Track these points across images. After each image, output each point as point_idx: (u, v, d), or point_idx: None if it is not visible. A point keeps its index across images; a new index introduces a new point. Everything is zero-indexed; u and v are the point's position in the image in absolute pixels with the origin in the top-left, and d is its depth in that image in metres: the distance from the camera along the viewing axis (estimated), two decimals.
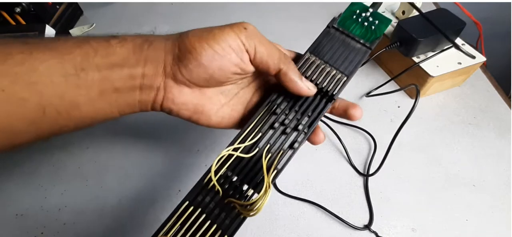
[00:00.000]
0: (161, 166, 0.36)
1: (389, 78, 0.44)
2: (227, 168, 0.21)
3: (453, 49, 0.40)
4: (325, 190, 0.34)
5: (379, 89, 0.43)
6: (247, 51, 0.21)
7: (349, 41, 0.26)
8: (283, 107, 0.23)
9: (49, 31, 0.47)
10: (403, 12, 0.43)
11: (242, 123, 0.25)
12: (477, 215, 0.32)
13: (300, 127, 0.22)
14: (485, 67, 0.46)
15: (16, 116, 0.17)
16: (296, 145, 0.22)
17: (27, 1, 0.48)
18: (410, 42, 0.37)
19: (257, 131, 0.22)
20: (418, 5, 0.41)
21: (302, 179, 0.35)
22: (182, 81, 0.21)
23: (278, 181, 0.34)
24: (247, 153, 0.22)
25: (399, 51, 0.40)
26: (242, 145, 0.22)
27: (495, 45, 0.61)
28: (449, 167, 0.36)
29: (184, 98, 0.22)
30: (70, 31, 0.54)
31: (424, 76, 0.38)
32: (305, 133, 0.23)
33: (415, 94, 0.42)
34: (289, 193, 0.34)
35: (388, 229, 0.31)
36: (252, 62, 0.22)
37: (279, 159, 0.22)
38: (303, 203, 0.33)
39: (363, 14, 0.27)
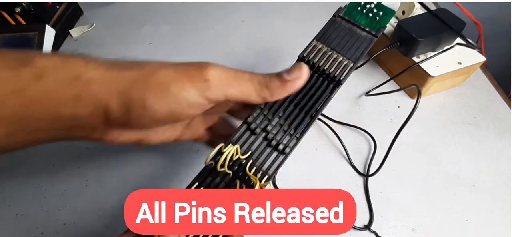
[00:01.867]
0: (161, 166, 0.36)
1: (388, 78, 0.44)
2: (236, 151, 0.21)
3: (453, 48, 0.40)
4: None
5: (378, 89, 0.43)
6: (212, 101, 0.19)
7: (355, 29, 0.27)
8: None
9: (49, 31, 0.47)
10: (403, 12, 0.43)
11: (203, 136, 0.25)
12: (477, 215, 0.32)
13: (312, 112, 0.23)
14: (485, 67, 0.46)
15: None
16: (298, 134, 0.22)
17: (27, 1, 0.48)
18: (410, 42, 0.37)
19: (266, 116, 0.23)
20: (417, 5, 0.41)
21: (302, 179, 0.35)
22: (129, 128, 0.19)
23: (278, 181, 0.34)
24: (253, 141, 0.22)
25: (399, 51, 0.40)
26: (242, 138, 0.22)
27: (495, 45, 0.61)
28: (449, 167, 0.36)
29: (128, 137, 0.20)
30: (70, 31, 0.54)
31: (424, 76, 0.38)
32: (312, 117, 0.23)
33: (415, 94, 0.42)
34: None
35: (388, 229, 0.31)
36: (226, 102, 0.20)
37: (274, 160, 0.22)
38: None
39: (368, 5, 0.27)
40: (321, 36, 0.26)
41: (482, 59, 0.39)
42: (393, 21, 0.43)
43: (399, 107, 0.42)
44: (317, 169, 0.36)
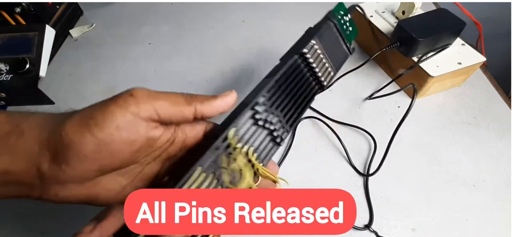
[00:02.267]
0: None
1: (389, 78, 0.44)
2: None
3: (453, 49, 0.40)
4: None
5: (381, 91, 0.43)
6: (146, 120, 0.17)
7: (340, 39, 0.28)
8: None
9: (49, 31, 0.47)
10: (403, 12, 0.43)
11: None
12: (477, 215, 0.32)
13: (299, 108, 0.24)
14: (485, 67, 0.46)
15: None
16: (284, 134, 0.23)
17: (27, 1, 0.48)
18: (410, 42, 0.37)
19: (265, 105, 0.23)
20: (418, 5, 0.41)
21: (302, 179, 0.35)
22: (65, 180, 0.17)
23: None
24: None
25: (399, 51, 0.40)
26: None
27: (495, 45, 0.61)
28: (449, 167, 0.36)
29: (70, 192, 0.18)
30: (70, 31, 0.55)
31: (424, 76, 0.38)
32: (299, 113, 0.24)
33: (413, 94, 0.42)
34: None
35: (388, 229, 0.31)
36: (161, 123, 0.19)
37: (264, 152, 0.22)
38: None
39: (344, 18, 0.29)
40: (320, 36, 0.27)
41: (482, 59, 0.39)
42: (393, 21, 0.43)
43: (399, 107, 0.42)
44: (317, 169, 0.36)
